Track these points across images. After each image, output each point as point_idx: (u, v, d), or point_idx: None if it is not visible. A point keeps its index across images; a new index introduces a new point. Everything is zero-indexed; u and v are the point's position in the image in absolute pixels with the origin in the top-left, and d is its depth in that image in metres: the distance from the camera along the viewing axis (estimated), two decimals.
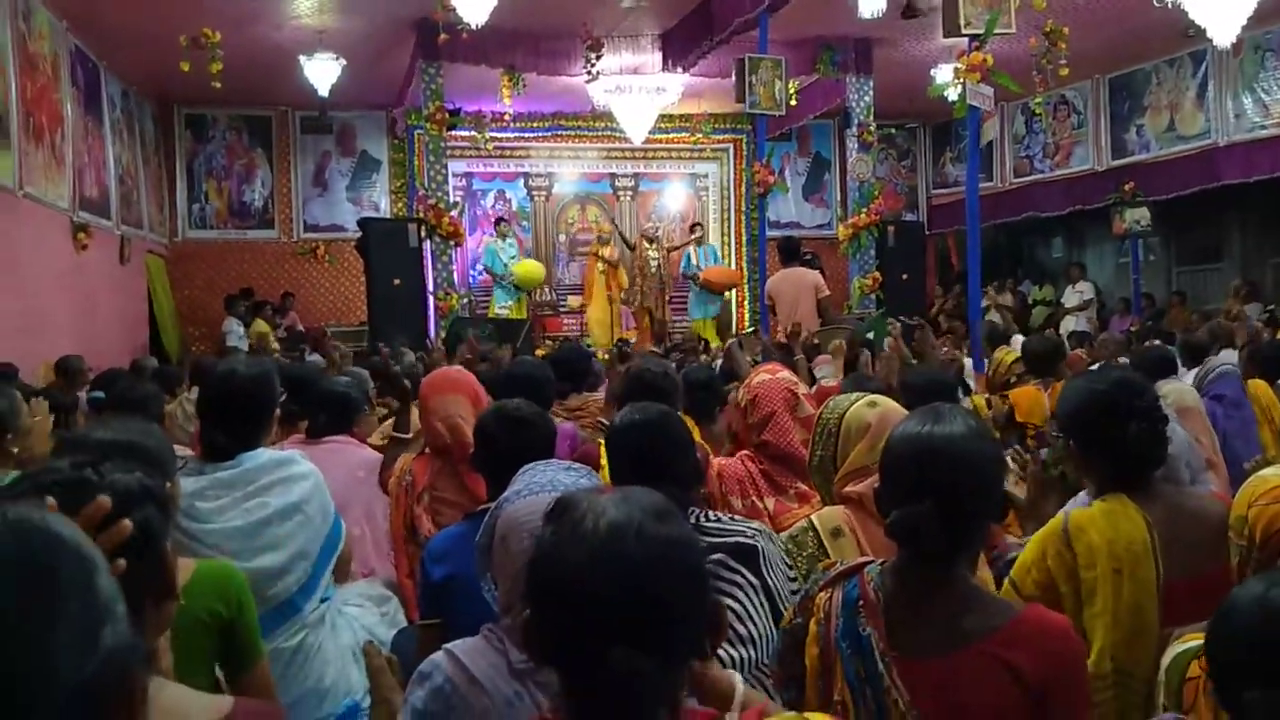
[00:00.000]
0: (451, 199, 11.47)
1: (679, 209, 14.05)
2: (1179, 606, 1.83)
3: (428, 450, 3.12)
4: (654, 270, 11.84)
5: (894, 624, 1.50)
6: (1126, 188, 11.45)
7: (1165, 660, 1.59)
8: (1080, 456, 2.10)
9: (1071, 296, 12.82)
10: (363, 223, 10.31)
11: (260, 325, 11.18)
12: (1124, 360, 4.98)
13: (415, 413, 4.35)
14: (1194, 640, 1.50)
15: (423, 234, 10.05)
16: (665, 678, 0.96)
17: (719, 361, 5.68)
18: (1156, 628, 1.89)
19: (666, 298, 12.07)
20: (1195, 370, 4.74)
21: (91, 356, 7.28)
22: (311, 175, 13.04)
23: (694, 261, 12.07)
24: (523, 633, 1.03)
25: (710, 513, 2.07)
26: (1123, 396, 2.02)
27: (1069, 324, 11.50)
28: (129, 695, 0.62)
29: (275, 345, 10.45)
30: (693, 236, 12.34)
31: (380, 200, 13.05)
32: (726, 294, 12.51)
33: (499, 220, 12.50)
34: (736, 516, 2.21)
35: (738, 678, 1.28)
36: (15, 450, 2.63)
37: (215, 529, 2.29)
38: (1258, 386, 4.43)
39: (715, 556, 1.88)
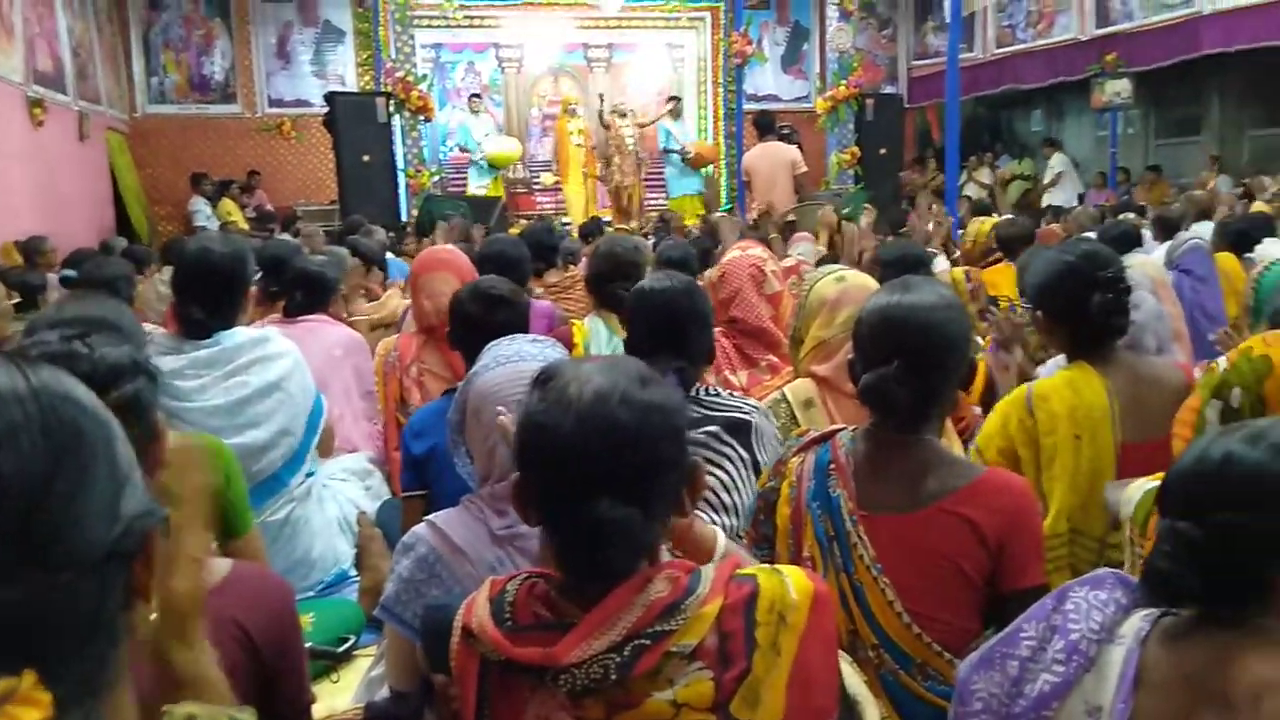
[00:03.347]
0: (420, 72, 11.14)
1: (654, 81, 13.69)
2: (1133, 468, 1.91)
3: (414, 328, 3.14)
4: (631, 147, 11.56)
5: (863, 485, 1.57)
6: (1108, 59, 11.28)
7: (1135, 496, 1.66)
8: (1047, 326, 2.16)
9: (1049, 171, 12.78)
10: (329, 96, 10.03)
11: (227, 205, 10.97)
12: (1092, 234, 5.01)
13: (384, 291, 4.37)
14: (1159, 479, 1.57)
15: (391, 109, 9.81)
16: (646, 528, 1.03)
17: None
18: None
19: (642, 175, 11.85)
20: (1167, 244, 4.78)
21: (56, 237, 7.15)
22: (274, 47, 12.58)
23: (673, 136, 11.82)
24: (513, 493, 1.08)
25: (712, 388, 2.11)
26: (1088, 267, 2.06)
27: (1050, 198, 11.50)
28: (148, 558, 0.64)
29: (245, 225, 10.29)
30: (666, 109, 12.03)
31: (346, 74, 12.65)
32: (708, 170, 12.19)
33: (474, 96, 12.16)
34: (736, 393, 2.24)
35: (720, 533, 1.35)
36: None
37: (196, 407, 2.32)
38: (1225, 260, 4.49)
39: (710, 429, 1.94)
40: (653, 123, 12.08)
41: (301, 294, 3.41)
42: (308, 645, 2.17)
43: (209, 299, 2.43)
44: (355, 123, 9.55)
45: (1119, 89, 11.18)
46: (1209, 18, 10.36)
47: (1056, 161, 12.59)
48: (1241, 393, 1.42)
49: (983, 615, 1.52)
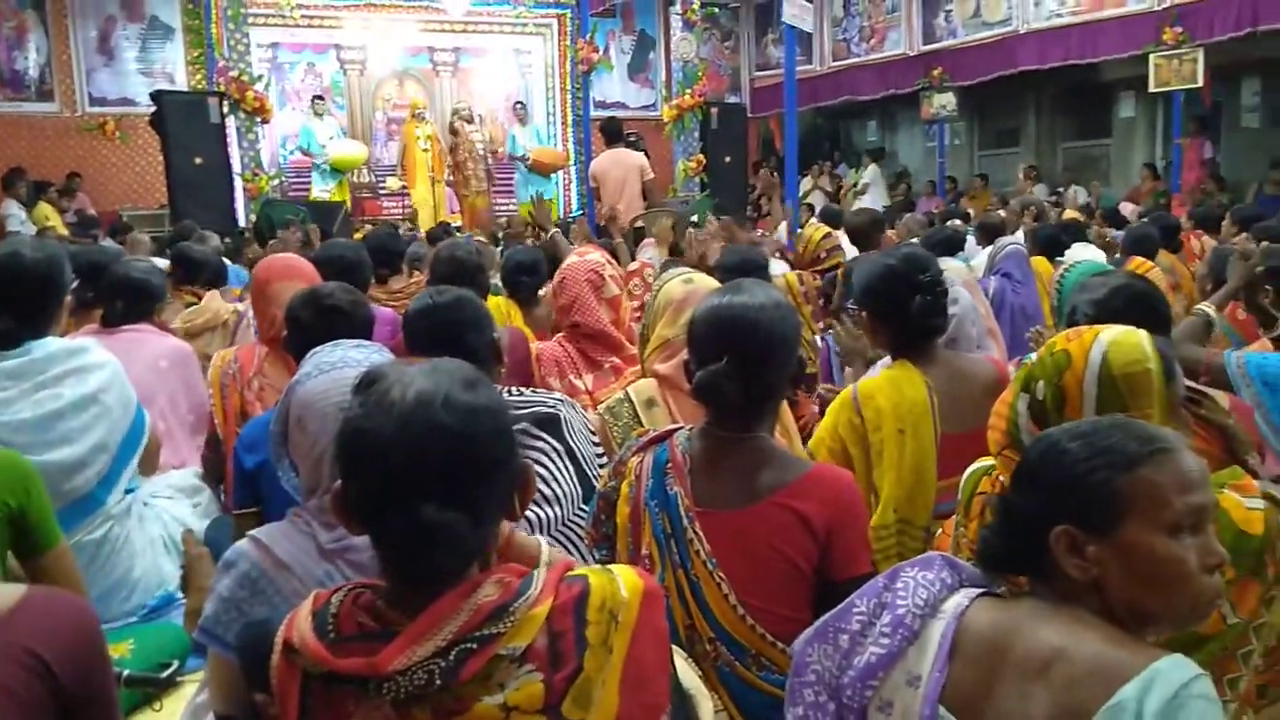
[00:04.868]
0: (255, 72, 10.71)
1: (502, 86, 13.59)
2: (951, 458, 2.02)
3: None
4: (482, 152, 11.47)
5: (699, 482, 1.60)
6: (935, 73, 11.91)
7: (963, 477, 1.76)
8: (872, 325, 2.25)
9: (861, 181, 13.34)
10: (156, 95, 9.50)
11: (44, 208, 10.25)
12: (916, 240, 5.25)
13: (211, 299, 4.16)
14: (987, 460, 1.67)
15: (225, 109, 9.38)
16: (474, 533, 1.01)
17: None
18: (934, 480, 2.08)
19: (491, 182, 11.75)
20: (989, 249, 5.08)
21: None
22: (95, 42, 11.84)
23: (520, 142, 11.81)
24: (335, 501, 1.04)
25: (512, 388, 2.13)
26: (909, 270, 2.17)
27: (858, 204, 12.02)
28: None
29: (64, 230, 9.64)
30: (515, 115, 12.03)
31: (176, 72, 12.01)
32: (554, 176, 12.30)
33: (316, 98, 11.79)
34: (540, 390, 2.28)
35: (543, 541, 1.35)
36: None
37: (1, 422, 2.16)
38: (1039, 263, 4.81)
39: (518, 426, 1.94)
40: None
41: (123, 303, 3.21)
42: (125, 672, 2.06)
43: (18, 306, 2.27)
44: (186, 124, 9.07)
45: (945, 102, 11.83)
46: (1024, 36, 11.08)
47: (868, 173, 13.19)
48: (1045, 385, 1.52)
49: (813, 606, 1.58)
